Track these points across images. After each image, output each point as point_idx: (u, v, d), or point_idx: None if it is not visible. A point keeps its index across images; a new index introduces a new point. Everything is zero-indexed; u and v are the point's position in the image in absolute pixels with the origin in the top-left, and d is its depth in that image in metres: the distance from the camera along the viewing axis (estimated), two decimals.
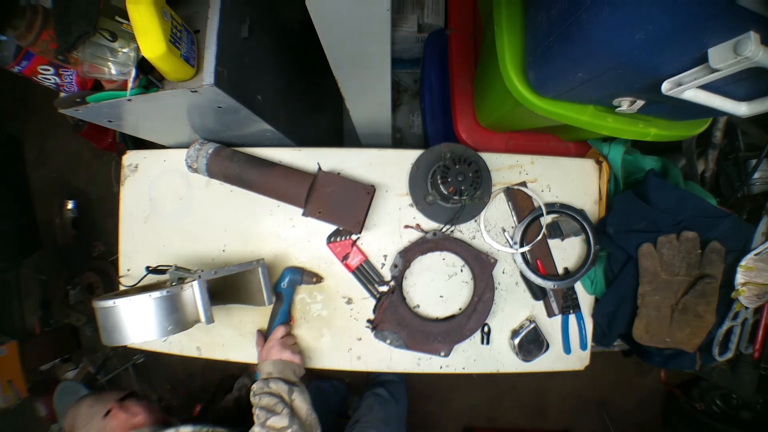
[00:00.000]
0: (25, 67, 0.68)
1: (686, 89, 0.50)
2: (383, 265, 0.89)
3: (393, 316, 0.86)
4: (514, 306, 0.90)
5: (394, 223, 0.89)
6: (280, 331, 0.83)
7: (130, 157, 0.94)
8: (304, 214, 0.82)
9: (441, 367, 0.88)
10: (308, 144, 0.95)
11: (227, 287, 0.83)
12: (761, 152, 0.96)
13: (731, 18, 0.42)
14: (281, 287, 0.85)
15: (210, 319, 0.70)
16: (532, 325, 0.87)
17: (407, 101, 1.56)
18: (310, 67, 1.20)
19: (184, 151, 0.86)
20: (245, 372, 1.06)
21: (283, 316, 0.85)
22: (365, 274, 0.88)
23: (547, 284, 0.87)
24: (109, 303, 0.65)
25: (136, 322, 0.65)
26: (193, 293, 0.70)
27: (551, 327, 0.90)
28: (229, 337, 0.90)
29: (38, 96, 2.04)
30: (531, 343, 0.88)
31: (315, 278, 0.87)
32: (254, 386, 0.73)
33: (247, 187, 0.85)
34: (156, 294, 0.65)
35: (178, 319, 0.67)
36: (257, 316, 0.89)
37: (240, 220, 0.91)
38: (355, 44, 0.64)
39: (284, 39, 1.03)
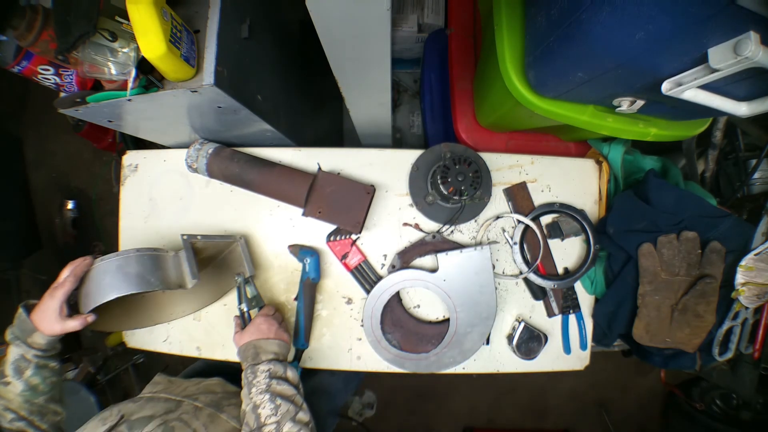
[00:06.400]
0: (25, 67, 0.68)
1: (686, 89, 0.50)
2: (383, 265, 0.89)
3: (389, 316, 0.86)
4: (514, 306, 0.90)
5: (394, 223, 0.89)
6: (269, 309, 0.78)
7: (130, 157, 0.94)
8: (304, 214, 0.82)
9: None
10: (308, 144, 0.95)
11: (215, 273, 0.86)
12: (761, 152, 0.96)
13: (731, 18, 0.41)
14: (312, 275, 0.83)
15: (195, 275, 0.69)
16: (522, 325, 0.87)
17: (407, 101, 1.56)
18: (310, 67, 1.20)
19: (184, 151, 0.86)
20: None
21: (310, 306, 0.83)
22: (363, 273, 0.88)
23: (547, 284, 0.87)
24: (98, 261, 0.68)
25: (118, 276, 0.66)
26: (179, 257, 0.71)
27: (550, 325, 0.90)
28: (228, 337, 0.89)
29: (38, 96, 2.04)
30: (528, 341, 0.87)
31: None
32: (268, 367, 0.65)
33: (247, 187, 0.85)
34: (143, 250, 0.68)
35: (161, 277, 0.68)
36: None
37: (240, 220, 0.91)
38: (355, 44, 0.64)
39: (284, 39, 1.03)
